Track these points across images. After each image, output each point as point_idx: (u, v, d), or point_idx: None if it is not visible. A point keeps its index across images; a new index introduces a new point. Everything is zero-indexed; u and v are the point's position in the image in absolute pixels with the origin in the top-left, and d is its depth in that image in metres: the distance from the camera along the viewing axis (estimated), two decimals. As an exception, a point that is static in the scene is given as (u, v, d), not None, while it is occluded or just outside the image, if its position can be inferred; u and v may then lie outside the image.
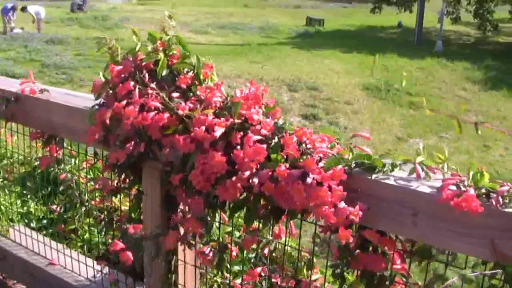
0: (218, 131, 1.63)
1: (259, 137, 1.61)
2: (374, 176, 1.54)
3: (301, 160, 1.56)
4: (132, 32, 2.03)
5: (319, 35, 21.21)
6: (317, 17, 24.87)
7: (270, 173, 1.56)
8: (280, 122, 1.68)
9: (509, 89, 16.46)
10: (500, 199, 1.40)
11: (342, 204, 1.48)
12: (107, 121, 1.84)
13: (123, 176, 2.01)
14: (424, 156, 1.57)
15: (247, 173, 1.57)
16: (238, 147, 1.63)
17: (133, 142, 1.80)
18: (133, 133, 1.82)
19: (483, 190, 1.43)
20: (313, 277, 2.17)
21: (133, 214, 2.18)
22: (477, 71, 17.60)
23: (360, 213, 1.48)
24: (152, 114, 1.76)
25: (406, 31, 23.98)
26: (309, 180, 1.49)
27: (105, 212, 2.49)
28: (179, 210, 2.01)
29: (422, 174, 1.52)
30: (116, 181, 2.10)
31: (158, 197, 1.98)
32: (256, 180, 1.55)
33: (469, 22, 24.75)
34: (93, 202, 2.86)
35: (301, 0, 32.39)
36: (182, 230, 2.02)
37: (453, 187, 1.44)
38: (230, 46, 17.62)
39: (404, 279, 1.67)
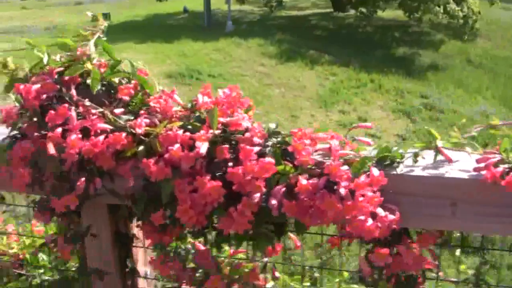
0: (203, 147, 1.32)
1: (258, 148, 1.33)
2: (398, 170, 1.34)
3: (312, 167, 1.31)
4: (28, 43, 1.64)
5: (109, 29, 20.47)
6: (102, 11, 23.96)
7: (284, 189, 1.29)
8: (272, 125, 1.41)
9: (303, 59, 17.20)
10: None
11: (381, 212, 1.26)
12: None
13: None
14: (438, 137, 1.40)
15: (257, 195, 1.29)
16: (230, 163, 1.34)
17: (83, 179, 1.42)
18: (76, 168, 1.44)
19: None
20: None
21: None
22: (270, 46, 18.16)
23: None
24: (101, 138, 1.40)
25: (193, 15, 24.08)
26: (342, 190, 1.24)
27: None
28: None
29: (453, 158, 1.35)
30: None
31: (108, 239, 1.61)
32: (275, 202, 1.27)
33: (254, 0, 25.37)
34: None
35: (80, -4, 31.10)
36: (142, 271, 1.68)
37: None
38: (20, 51, 16.38)
39: (434, 274, 1.50)
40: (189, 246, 1.62)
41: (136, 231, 1.68)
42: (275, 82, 15.98)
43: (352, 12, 22.71)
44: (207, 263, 1.46)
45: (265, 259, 1.60)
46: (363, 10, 20.83)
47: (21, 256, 2.49)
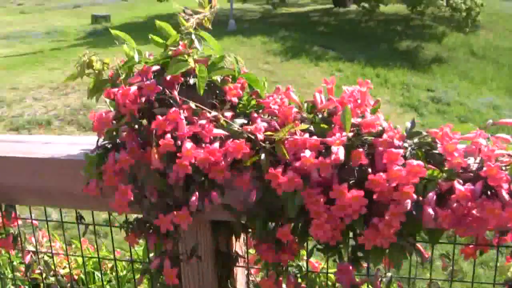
0: (340, 152, 1.16)
1: (401, 151, 1.16)
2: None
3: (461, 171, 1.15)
4: (116, 34, 1.47)
5: (109, 32, 20.42)
6: (102, 13, 23.82)
7: (435, 196, 1.13)
8: (408, 124, 1.24)
9: (307, 56, 17.03)
10: None
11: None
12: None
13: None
14: None
15: (408, 202, 1.12)
16: (369, 169, 1.17)
17: (197, 194, 1.24)
18: (183, 180, 1.26)
19: None
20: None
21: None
22: (274, 43, 17.98)
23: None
24: (216, 146, 1.22)
25: (194, 15, 23.82)
26: (505, 195, 1.09)
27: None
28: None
29: None
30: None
31: (210, 259, 1.43)
32: (431, 212, 1.10)
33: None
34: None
35: (78, -2, 30.75)
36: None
37: None
38: (22, 56, 16.19)
39: None
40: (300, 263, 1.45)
41: (239, 249, 1.51)
42: (281, 79, 15.78)
43: (352, 7, 22.52)
44: (348, 279, 1.29)
45: (389, 274, 1.43)
46: (365, 5, 20.62)
47: (75, 277, 2.33)
